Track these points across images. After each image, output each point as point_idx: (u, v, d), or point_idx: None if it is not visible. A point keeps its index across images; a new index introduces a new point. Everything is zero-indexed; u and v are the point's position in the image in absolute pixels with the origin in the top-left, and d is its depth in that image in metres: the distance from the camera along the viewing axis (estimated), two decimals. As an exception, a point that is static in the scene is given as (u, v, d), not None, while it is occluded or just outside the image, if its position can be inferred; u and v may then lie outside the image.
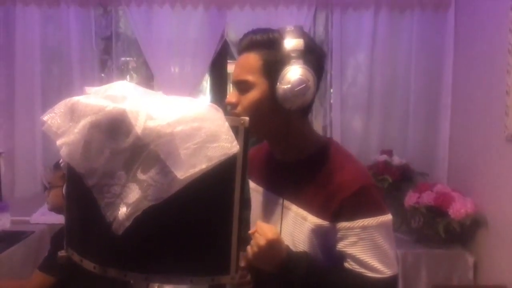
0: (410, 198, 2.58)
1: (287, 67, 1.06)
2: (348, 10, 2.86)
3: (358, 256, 1.07)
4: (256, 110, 1.10)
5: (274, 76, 1.07)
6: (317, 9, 2.89)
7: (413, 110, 2.90)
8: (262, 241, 1.05)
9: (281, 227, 1.18)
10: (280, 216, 1.19)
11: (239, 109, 1.11)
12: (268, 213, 1.25)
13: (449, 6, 2.83)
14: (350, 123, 2.96)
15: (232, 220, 0.95)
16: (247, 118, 0.95)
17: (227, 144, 0.91)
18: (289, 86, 1.05)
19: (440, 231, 2.45)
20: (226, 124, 0.93)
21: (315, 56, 1.11)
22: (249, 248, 1.08)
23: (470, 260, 2.49)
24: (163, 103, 0.94)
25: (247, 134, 0.95)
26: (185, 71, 2.93)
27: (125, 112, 0.87)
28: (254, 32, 1.12)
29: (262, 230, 1.07)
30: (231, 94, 1.15)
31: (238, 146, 0.92)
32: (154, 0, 2.82)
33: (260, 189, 1.30)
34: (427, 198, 2.50)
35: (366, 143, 2.93)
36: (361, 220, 1.06)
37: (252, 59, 1.10)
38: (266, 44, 1.09)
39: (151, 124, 0.87)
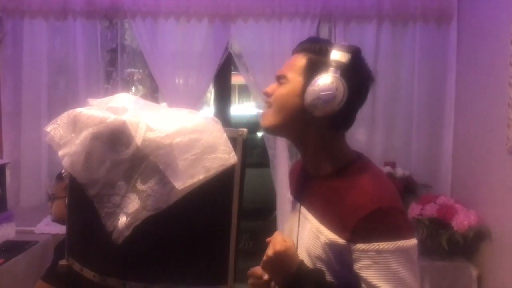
0: (413, 210, 2.57)
1: (323, 73, 1.08)
2: (351, 23, 2.88)
3: (370, 281, 1.03)
4: (283, 104, 1.14)
5: (309, 78, 1.10)
6: (320, 22, 2.91)
7: (416, 122, 2.91)
8: (270, 251, 1.09)
9: (297, 236, 1.20)
10: (297, 224, 1.22)
11: (271, 98, 1.17)
12: (292, 221, 1.29)
13: (452, 19, 2.85)
14: (353, 135, 2.94)
15: (230, 230, 0.95)
16: (245, 130, 0.97)
17: (224, 155, 0.92)
18: (316, 88, 1.07)
19: (443, 243, 2.44)
20: (224, 135, 0.94)
21: (358, 75, 1.12)
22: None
23: (474, 272, 2.47)
24: (162, 115, 0.96)
25: (245, 146, 0.96)
26: (190, 83, 2.95)
27: (125, 124, 0.89)
28: (311, 39, 1.19)
29: (274, 241, 1.10)
30: (271, 86, 1.19)
31: (236, 157, 0.94)
32: (159, 13, 2.86)
33: (291, 198, 1.35)
34: (430, 210, 2.50)
35: (369, 155, 2.81)
36: (376, 244, 1.01)
37: (299, 59, 1.15)
38: (315, 50, 1.13)
39: (150, 135, 0.89)
